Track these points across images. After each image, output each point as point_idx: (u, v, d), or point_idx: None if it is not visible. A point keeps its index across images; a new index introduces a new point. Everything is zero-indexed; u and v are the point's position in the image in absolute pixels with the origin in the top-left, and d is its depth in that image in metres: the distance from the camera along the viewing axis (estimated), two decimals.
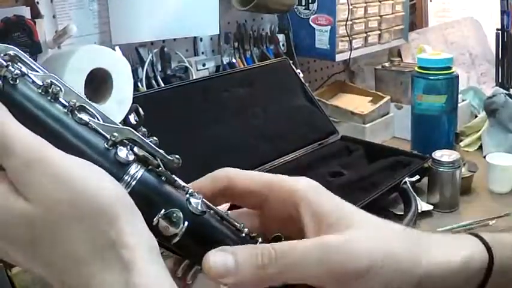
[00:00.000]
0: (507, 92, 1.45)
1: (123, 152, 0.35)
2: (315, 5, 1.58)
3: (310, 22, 1.60)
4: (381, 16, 1.73)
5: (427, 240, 0.39)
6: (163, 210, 0.35)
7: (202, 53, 1.47)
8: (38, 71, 0.35)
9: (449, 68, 1.36)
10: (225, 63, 1.46)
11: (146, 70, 1.27)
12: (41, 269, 0.32)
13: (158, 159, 0.37)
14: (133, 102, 1.06)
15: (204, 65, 1.42)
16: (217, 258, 0.36)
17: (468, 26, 2.03)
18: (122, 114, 1.04)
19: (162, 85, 1.28)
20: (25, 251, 0.32)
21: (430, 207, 1.15)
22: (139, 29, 1.26)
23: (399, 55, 1.91)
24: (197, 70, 1.40)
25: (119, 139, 0.35)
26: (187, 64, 1.37)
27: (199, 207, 0.37)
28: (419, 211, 1.12)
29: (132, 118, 1.08)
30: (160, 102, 1.18)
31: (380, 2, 1.72)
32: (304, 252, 0.36)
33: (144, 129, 0.37)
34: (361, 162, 1.29)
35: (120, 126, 0.36)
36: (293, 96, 1.43)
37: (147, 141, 0.37)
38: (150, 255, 0.32)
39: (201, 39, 1.46)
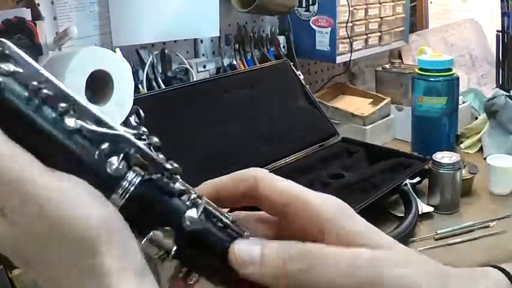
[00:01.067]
0: (507, 94, 1.45)
1: (115, 163, 0.33)
2: (316, 6, 1.58)
3: (311, 24, 1.60)
4: (381, 18, 1.73)
5: (453, 281, 0.36)
6: (152, 232, 0.34)
7: (203, 54, 1.47)
8: (28, 68, 0.33)
9: (450, 69, 1.36)
10: (225, 65, 1.46)
11: (147, 72, 1.27)
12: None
13: (156, 167, 0.35)
14: (134, 104, 1.06)
15: (204, 66, 1.42)
16: (243, 246, 0.35)
17: (468, 27, 2.03)
18: (122, 116, 1.05)
19: (163, 87, 1.28)
20: (23, 267, 0.32)
21: (431, 209, 1.15)
22: (140, 31, 1.26)
23: (400, 57, 1.91)
24: (198, 72, 1.40)
25: (111, 148, 0.33)
26: (187, 66, 1.37)
27: (195, 226, 0.35)
28: (420, 213, 1.12)
29: (133, 120, 1.08)
30: (160, 104, 1.18)
31: (380, 3, 1.72)
32: (335, 256, 0.34)
33: (144, 129, 0.35)
34: (362, 164, 1.29)
35: (115, 129, 0.34)
36: (294, 98, 1.43)
37: (142, 145, 0.34)
38: (138, 278, 0.31)
39: (201, 41, 1.47)
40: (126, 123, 1.07)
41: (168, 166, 0.35)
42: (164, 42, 1.34)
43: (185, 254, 0.35)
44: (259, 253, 0.34)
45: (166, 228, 0.34)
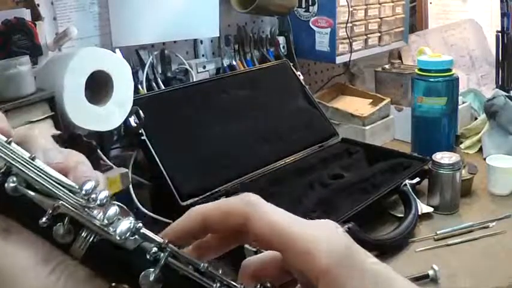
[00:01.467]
0: (507, 94, 1.45)
1: (60, 233, 0.32)
2: (315, 7, 1.58)
3: (311, 24, 1.60)
4: (381, 18, 1.73)
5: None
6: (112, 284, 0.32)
7: (203, 55, 1.47)
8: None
9: (450, 70, 1.36)
10: (225, 65, 1.46)
11: (146, 72, 1.27)
12: None
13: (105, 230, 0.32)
14: (133, 105, 1.07)
15: (204, 67, 1.42)
16: None
17: (468, 28, 2.03)
18: (122, 117, 1.05)
19: (163, 87, 1.28)
20: None
21: (431, 209, 1.15)
22: (140, 31, 1.26)
23: (399, 57, 1.91)
24: (197, 72, 1.40)
25: (52, 216, 0.32)
26: (187, 66, 1.37)
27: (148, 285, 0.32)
28: (420, 213, 1.12)
29: (133, 120, 1.08)
30: (160, 104, 1.18)
31: (380, 4, 1.72)
32: None
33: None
34: (362, 164, 1.29)
35: (57, 193, 0.32)
36: (293, 98, 1.43)
37: (82, 212, 0.32)
38: None
39: (201, 42, 1.47)
40: (126, 123, 1.07)
41: (116, 237, 0.32)
42: (164, 43, 1.34)
43: None
44: None
45: (124, 286, 0.33)
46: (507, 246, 1.03)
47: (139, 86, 1.25)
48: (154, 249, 0.32)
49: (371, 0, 1.68)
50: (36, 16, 1.09)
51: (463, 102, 1.64)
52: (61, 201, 0.32)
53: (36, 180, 0.32)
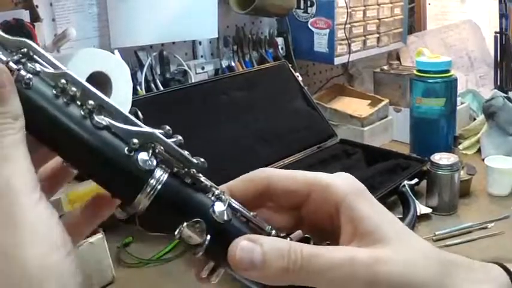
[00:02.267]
0: (506, 95, 1.45)
1: (144, 158, 0.34)
2: (314, 8, 1.58)
3: (309, 25, 1.60)
4: (379, 19, 1.74)
5: (457, 272, 0.37)
6: (185, 223, 0.34)
7: (201, 56, 1.48)
8: (51, 67, 0.34)
9: (448, 71, 1.36)
10: (224, 66, 1.46)
11: (145, 73, 1.27)
12: None
13: (182, 162, 0.35)
14: (132, 106, 1.06)
15: (203, 68, 1.43)
16: (244, 251, 0.35)
17: (467, 29, 2.03)
18: None
19: (161, 88, 1.28)
20: None
21: (429, 210, 1.15)
22: (139, 33, 1.26)
23: (398, 58, 1.91)
24: (196, 73, 1.40)
25: (139, 143, 0.34)
26: (186, 67, 1.37)
27: (224, 217, 0.36)
28: (418, 214, 1.12)
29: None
30: (159, 105, 1.18)
31: (379, 5, 1.72)
32: (331, 264, 0.34)
33: (168, 128, 0.36)
34: (360, 165, 1.29)
35: (143, 127, 0.35)
36: (292, 99, 1.43)
37: (170, 142, 0.35)
38: None
39: (200, 43, 1.47)
40: None
41: (194, 161, 0.36)
42: (162, 44, 1.34)
43: (213, 246, 0.35)
44: (260, 258, 0.34)
45: (197, 220, 0.35)
46: (506, 247, 1.03)
47: (138, 87, 1.25)
48: (217, 191, 0.37)
49: (369, 1, 1.68)
50: (35, 17, 1.09)
51: (462, 103, 1.64)
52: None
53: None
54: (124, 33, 1.25)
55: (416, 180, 1.18)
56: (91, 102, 0.34)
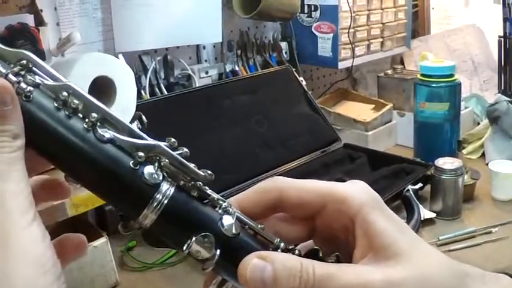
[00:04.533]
0: (510, 99, 1.45)
1: (150, 172, 0.33)
2: (318, 12, 1.58)
3: (313, 30, 1.61)
4: (383, 24, 1.74)
5: (472, 285, 0.37)
6: (194, 237, 0.34)
7: (205, 60, 1.48)
8: (52, 79, 0.33)
9: (452, 75, 1.36)
10: (227, 71, 1.46)
11: (149, 78, 1.28)
12: None
13: (188, 175, 0.35)
14: (136, 110, 1.07)
15: (207, 72, 1.43)
16: (255, 270, 0.34)
17: (471, 33, 2.03)
18: None
19: (165, 93, 1.28)
20: None
21: (433, 214, 1.14)
22: (143, 37, 1.26)
23: (402, 62, 1.92)
24: (200, 78, 1.41)
25: (145, 157, 0.33)
26: (190, 72, 1.38)
27: (233, 230, 0.35)
28: (422, 219, 1.11)
29: (135, 126, 1.08)
30: (163, 110, 1.18)
31: (382, 9, 1.72)
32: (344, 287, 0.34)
33: (173, 140, 0.35)
34: (364, 169, 1.29)
35: (148, 139, 0.34)
36: (296, 103, 1.43)
37: (176, 155, 0.35)
38: None
39: (204, 47, 1.47)
40: None
41: (201, 173, 0.35)
42: (167, 48, 1.35)
43: (223, 261, 0.35)
44: (271, 277, 0.34)
45: (206, 234, 0.34)
46: (510, 252, 1.03)
47: (142, 91, 1.25)
48: (225, 204, 0.36)
49: (373, 6, 1.69)
50: (40, 21, 1.10)
51: (466, 108, 1.64)
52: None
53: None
54: (128, 37, 1.25)
55: (420, 184, 1.18)
56: (94, 114, 0.33)
